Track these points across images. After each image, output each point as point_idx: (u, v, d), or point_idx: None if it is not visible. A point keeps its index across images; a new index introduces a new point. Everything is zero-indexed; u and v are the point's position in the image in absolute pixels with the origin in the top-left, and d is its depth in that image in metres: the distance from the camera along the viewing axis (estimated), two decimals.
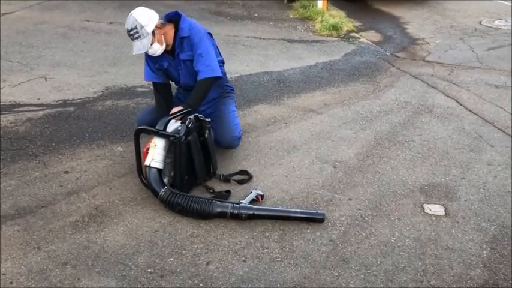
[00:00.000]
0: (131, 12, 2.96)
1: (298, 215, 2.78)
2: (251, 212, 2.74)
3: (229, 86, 3.61)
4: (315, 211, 2.81)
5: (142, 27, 2.93)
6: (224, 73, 3.47)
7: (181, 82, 3.33)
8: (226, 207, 2.73)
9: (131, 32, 2.95)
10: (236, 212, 2.72)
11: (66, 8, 6.83)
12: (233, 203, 2.77)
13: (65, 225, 2.64)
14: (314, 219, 2.77)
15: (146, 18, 2.96)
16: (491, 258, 2.54)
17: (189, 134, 2.87)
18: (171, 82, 3.44)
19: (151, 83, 3.47)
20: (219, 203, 2.75)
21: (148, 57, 3.24)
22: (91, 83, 4.54)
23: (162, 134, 2.84)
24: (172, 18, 3.16)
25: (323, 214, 2.79)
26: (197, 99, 3.14)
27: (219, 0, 8.36)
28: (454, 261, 2.51)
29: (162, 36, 3.09)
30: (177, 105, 3.12)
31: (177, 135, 2.81)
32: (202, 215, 2.72)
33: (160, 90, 3.37)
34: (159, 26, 3.03)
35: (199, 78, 3.14)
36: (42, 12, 6.57)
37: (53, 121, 3.77)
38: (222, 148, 3.39)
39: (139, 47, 2.99)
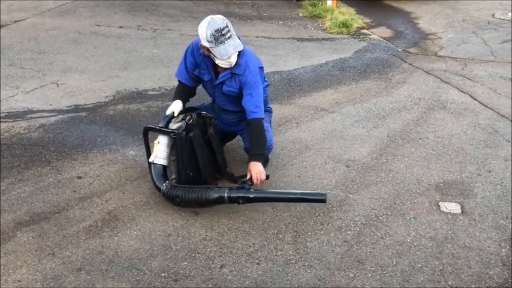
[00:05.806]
0: (210, 17, 2.73)
1: (298, 196, 2.74)
2: (250, 195, 2.69)
3: (269, 108, 3.40)
4: (315, 191, 2.77)
5: (231, 25, 2.74)
6: (266, 96, 3.30)
7: (216, 101, 3.17)
8: (223, 192, 2.68)
9: (224, 31, 2.68)
10: (234, 195, 2.67)
11: (76, 14, 6.87)
12: (230, 187, 2.73)
13: (79, 230, 2.65)
14: (315, 200, 2.73)
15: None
16: (511, 257, 2.48)
17: (190, 130, 2.86)
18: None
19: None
20: (216, 188, 2.73)
21: (190, 56, 2.99)
22: (102, 88, 4.56)
23: (163, 130, 2.88)
24: None
25: (324, 194, 2.72)
26: (261, 144, 2.94)
27: (228, 1, 8.34)
28: (472, 260, 2.47)
29: None
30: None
31: (177, 132, 2.82)
32: (201, 202, 2.70)
33: (183, 92, 3.13)
34: None
35: (249, 117, 2.93)
36: (53, 18, 6.62)
37: (66, 126, 3.79)
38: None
39: (234, 45, 2.75)
